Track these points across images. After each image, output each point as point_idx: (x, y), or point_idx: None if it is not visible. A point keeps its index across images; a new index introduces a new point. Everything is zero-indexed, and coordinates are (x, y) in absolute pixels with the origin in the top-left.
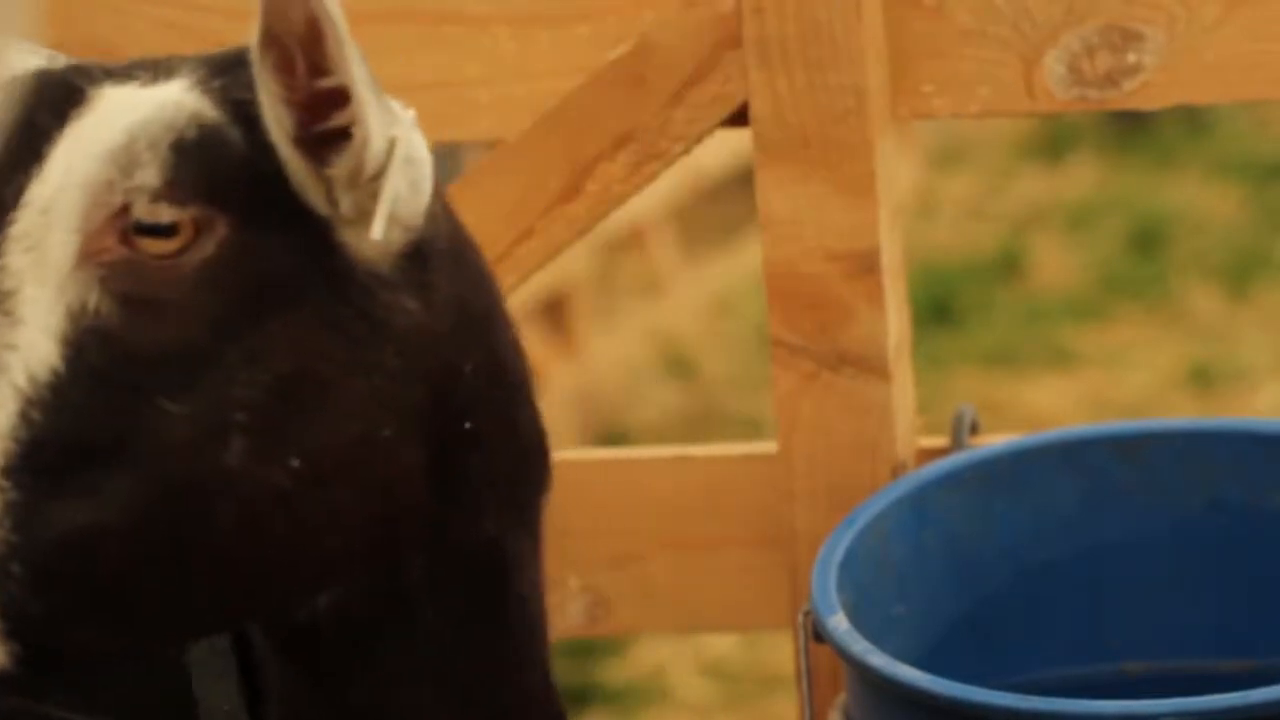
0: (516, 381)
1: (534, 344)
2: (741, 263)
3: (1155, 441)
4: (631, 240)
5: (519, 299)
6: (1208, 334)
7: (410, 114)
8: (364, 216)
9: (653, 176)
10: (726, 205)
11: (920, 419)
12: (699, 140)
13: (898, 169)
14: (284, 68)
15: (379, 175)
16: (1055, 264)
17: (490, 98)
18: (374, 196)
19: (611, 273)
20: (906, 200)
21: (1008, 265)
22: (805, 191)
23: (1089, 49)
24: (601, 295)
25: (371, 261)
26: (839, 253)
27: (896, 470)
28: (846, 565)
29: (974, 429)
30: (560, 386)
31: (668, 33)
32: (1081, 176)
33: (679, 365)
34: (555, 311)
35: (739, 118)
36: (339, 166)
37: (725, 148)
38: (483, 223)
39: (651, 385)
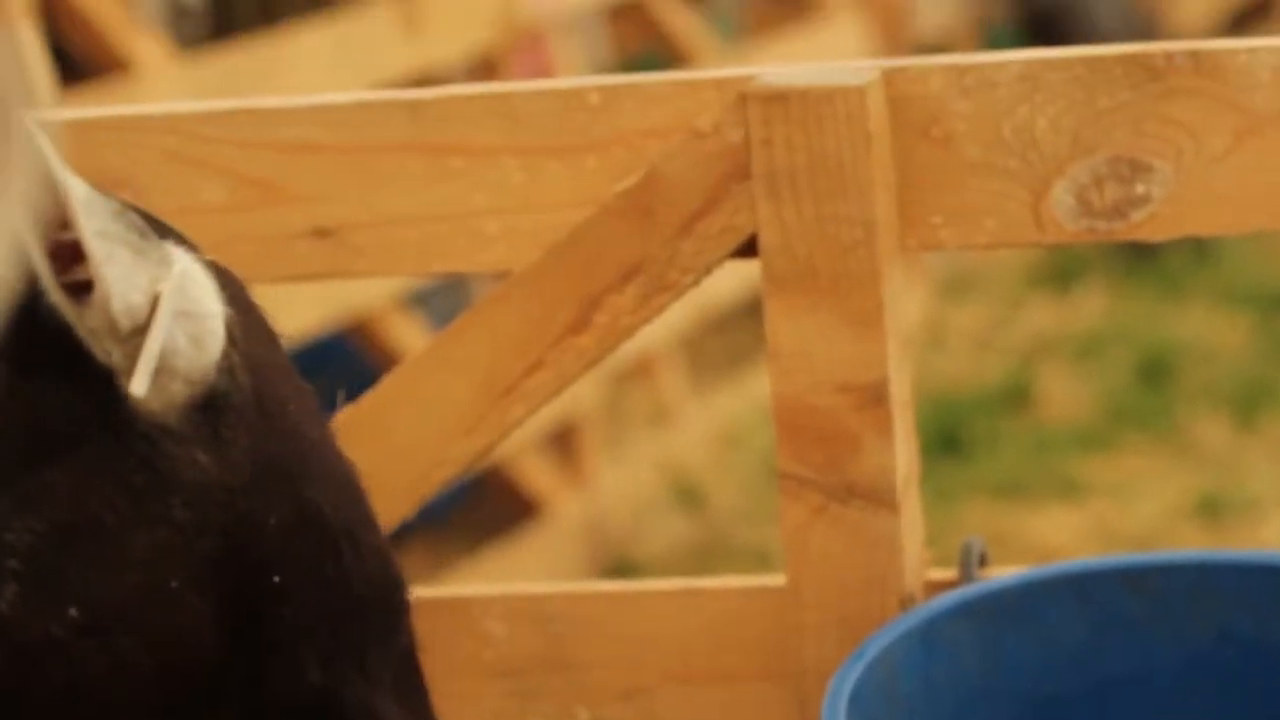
0: (342, 533)
1: (543, 475)
2: (750, 393)
3: (1164, 573)
4: (640, 370)
5: (527, 430)
6: (1216, 465)
7: (186, 268)
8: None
9: (662, 308)
10: (734, 336)
11: (929, 551)
12: (708, 272)
13: (906, 300)
14: (40, 216)
15: (143, 329)
16: (1063, 394)
17: (498, 229)
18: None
19: (620, 403)
20: (915, 331)
21: (1016, 396)
22: (814, 323)
23: (1097, 180)
24: (610, 426)
25: (156, 413)
26: (848, 384)
27: (905, 603)
28: (855, 699)
29: (983, 561)
30: (569, 517)
31: (676, 165)
32: (1089, 306)
33: (688, 496)
34: (564, 442)
35: (748, 249)
36: (90, 319)
37: (733, 278)
38: (491, 354)
39: (660, 516)
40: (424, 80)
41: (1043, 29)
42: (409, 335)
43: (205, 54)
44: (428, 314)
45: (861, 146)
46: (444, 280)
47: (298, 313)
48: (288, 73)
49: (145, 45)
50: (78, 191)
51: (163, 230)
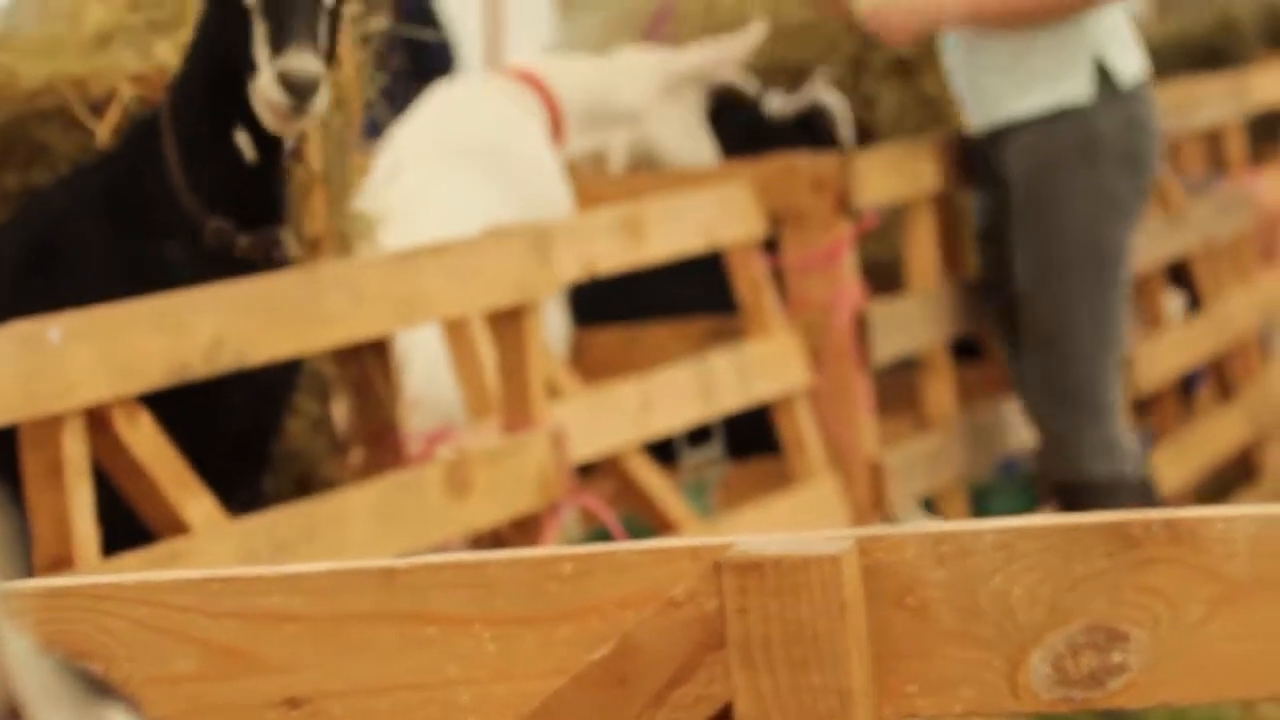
0: None
1: None
2: None
3: None
4: None
5: None
6: None
7: None
8: None
9: None
10: None
11: None
12: None
13: None
14: None
15: None
16: None
17: (471, 698)
18: None
19: None
20: None
21: None
22: None
23: (1073, 649)
24: None
25: None
26: None
27: None
28: None
29: None
30: None
31: (650, 633)
32: None
33: None
34: None
35: (723, 717)
36: None
37: None
38: None
39: None
40: (469, 541)
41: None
42: None
43: (253, 518)
44: None
45: (836, 615)
46: None
47: None
48: (333, 532)
49: (198, 506)
50: (17, 648)
51: (104, 690)
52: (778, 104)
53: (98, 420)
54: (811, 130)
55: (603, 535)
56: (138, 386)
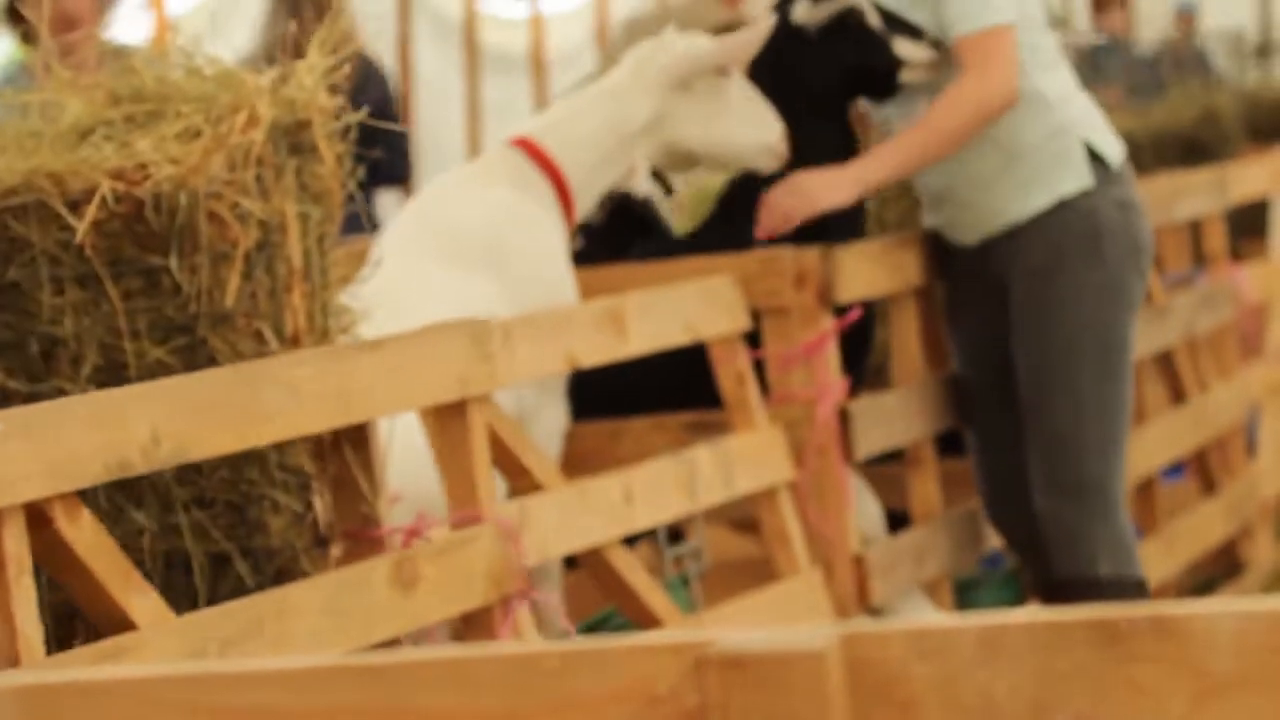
0: None
1: None
2: None
3: None
4: None
5: None
6: None
7: None
8: None
9: None
10: None
11: None
12: None
13: None
14: None
15: None
16: None
17: None
18: None
19: None
20: None
21: None
22: None
23: None
24: None
25: None
26: None
27: None
28: None
29: None
30: None
31: None
32: None
33: None
34: None
35: None
36: None
37: None
38: None
39: None
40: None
41: None
42: None
43: (200, 614)
44: None
45: (820, 712)
46: None
47: None
48: (279, 626)
49: (144, 602)
50: None
51: None
52: (804, 10)
53: (38, 517)
54: (843, 35)
55: (592, 628)
56: (77, 483)
